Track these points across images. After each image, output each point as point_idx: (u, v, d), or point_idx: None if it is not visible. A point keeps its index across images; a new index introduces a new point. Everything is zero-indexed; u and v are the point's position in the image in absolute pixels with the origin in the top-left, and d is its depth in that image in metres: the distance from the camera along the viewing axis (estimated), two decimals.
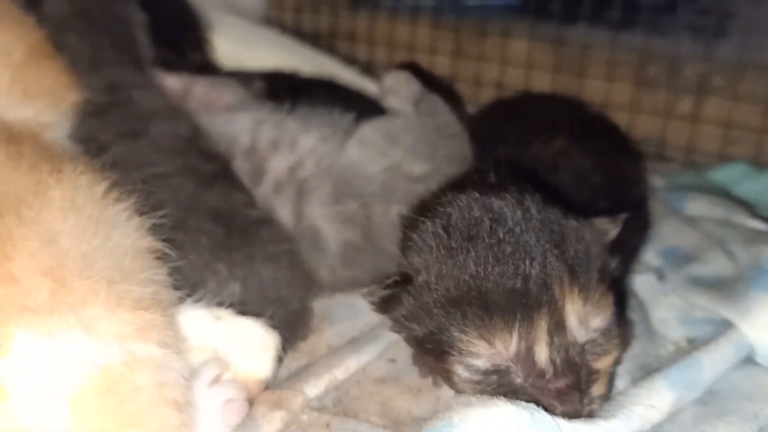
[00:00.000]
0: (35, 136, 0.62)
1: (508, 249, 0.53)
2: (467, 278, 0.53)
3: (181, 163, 0.75)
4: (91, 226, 0.52)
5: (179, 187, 0.72)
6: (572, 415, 0.52)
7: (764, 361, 0.66)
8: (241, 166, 0.81)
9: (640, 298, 0.78)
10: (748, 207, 0.94)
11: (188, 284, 0.62)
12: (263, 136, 0.82)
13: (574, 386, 0.53)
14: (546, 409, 0.52)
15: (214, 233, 0.68)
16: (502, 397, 0.53)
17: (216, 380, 0.57)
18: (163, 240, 0.58)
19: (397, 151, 0.81)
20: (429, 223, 0.58)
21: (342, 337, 0.72)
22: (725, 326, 0.69)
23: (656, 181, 1.05)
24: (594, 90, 1.18)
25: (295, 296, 0.70)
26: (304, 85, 1.06)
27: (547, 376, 0.52)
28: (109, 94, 0.78)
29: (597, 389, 0.55)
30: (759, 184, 1.05)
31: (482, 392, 0.54)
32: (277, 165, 0.80)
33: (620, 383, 0.63)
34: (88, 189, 0.55)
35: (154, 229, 0.58)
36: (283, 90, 0.98)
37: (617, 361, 0.59)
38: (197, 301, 0.61)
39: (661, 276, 0.82)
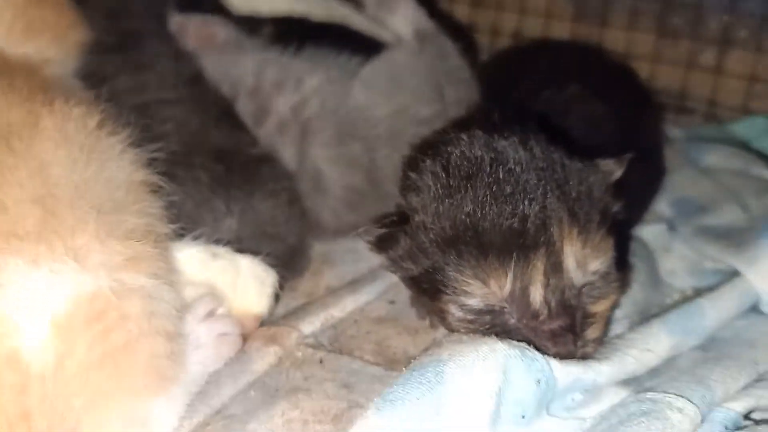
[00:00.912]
0: (32, 70, 0.62)
1: (508, 188, 0.52)
2: (464, 217, 0.52)
3: (187, 93, 0.75)
4: (82, 157, 0.52)
5: (185, 120, 0.72)
6: (565, 356, 0.51)
7: None
8: (244, 106, 0.80)
9: (650, 247, 0.77)
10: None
11: (187, 220, 0.63)
12: (268, 76, 0.82)
13: (568, 328, 0.52)
14: (539, 350, 0.51)
15: (214, 170, 0.68)
16: (494, 337, 0.52)
17: (210, 314, 0.57)
18: (163, 174, 0.58)
19: (402, 95, 0.79)
20: (428, 162, 0.57)
21: (342, 279, 0.72)
22: (733, 276, 0.67)
23: (676, 132, 1.03)
24: (615, 40, 1.14)
25: (292, 233, 0.70)
26: (314, 29, 1.05)
27: (541, 318, 0.51)
28: (122, 38, 0.78)
29: (592, 332, 0.54)
30: None
31: (475, 332, 0.54)
32: (281, 105, 0.79)
33: (619, 328, 0.62)
34: (80, 120, 0.54)
35: (153, 163, 0.58)
36: (292, 34, 0.97)
37: (615, 305, 0.58)
38: (196, 238, 0.61)
39: (672, 226, 0.80)
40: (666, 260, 0.75)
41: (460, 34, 0.95)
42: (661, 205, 0.83)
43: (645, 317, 0.64)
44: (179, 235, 0.59)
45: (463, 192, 0.53)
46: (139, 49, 0.79)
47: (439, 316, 0.57)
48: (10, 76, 0.56)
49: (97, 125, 0.55)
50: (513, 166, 0.53)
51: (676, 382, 0.51)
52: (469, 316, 0.53)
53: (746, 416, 0.52)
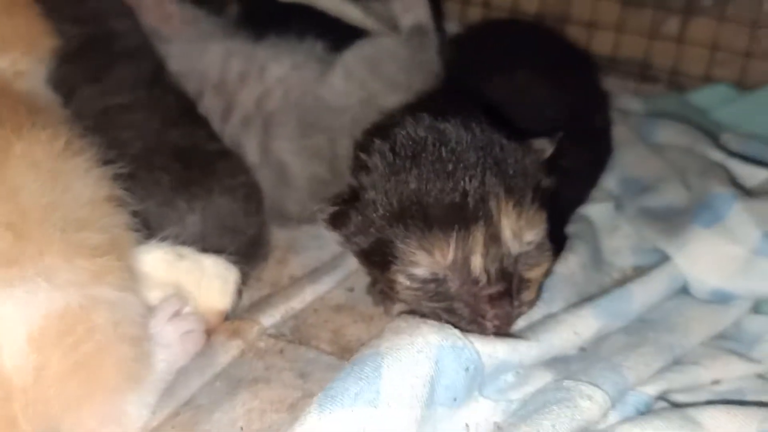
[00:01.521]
0: (2, 89, 0.66)
1: (450, 166, 0.57)
2: (410, 193, 0.57)
3: (144, 95, 0.79)
4: (50, 180, 0.56)
5: (145, 124, 0.76)
6: (503, 316, 0.57)
7: (696, 293, 0.70)
8: (210, 102, 0.84)
9: (595, 227, 0.81)
10: (719, 132, 0.95)
11: (151, 220, 0.68)
12: (233, 67, 0.85)
13: (505, 292, 0.57)
14: (479, 314, 0.57)
15: (173, 170, 0.73)
16: (429, 322, 0.56)
17: (176, 314, 0.63)
18: (126, 177, 0.62)
19: (376, 83, 0.82)
20: (377, 143, 0.62)
21: (305, 267, 0.78)
22: (666, 259, 0.72)
23: (635, 105, 1.06)
24: (580, 9, 1.17)
25: (251, 225, 0.75)
26: (280, 9, 1.06)
27: (481, 284, 0.57)
28: (84, 43, 0.81)
29: (527, 295, 0.60)
30: (739, 108, 1.05)
31: (421, 300, 0.59)
32: (246, 97, 0.82)
33: (555, 309, 0.67)
34: (47, 144, 0.58)
35: (117, 174, 0.62)
36: (258, 14, 0.99)
37: (548, 273, 0.63)
38: (162, 240, 0.66)
39: (619, 204, 0.85)
40: (611, 239, 0.80)
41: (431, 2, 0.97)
42: (610, 183, 0.88)
43: (581, 299, 0.69)
44: (144, 239, 0.65)
45: (408, 170, 0.58)
46: (98, 54, 0.81)
47: (389, 287, 0.62)
48: None
49: (63, 147, 0.59)
50: (455, 146, 0.59)
51: (592, 369, 0.57)
52: (416, 285, 0.59)
53: (660, 398, 0.58)
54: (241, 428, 0.58)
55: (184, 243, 0.68)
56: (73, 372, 0.51)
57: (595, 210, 0.83)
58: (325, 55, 0.87)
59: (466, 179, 0.56)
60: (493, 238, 0.56)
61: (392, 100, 0.81)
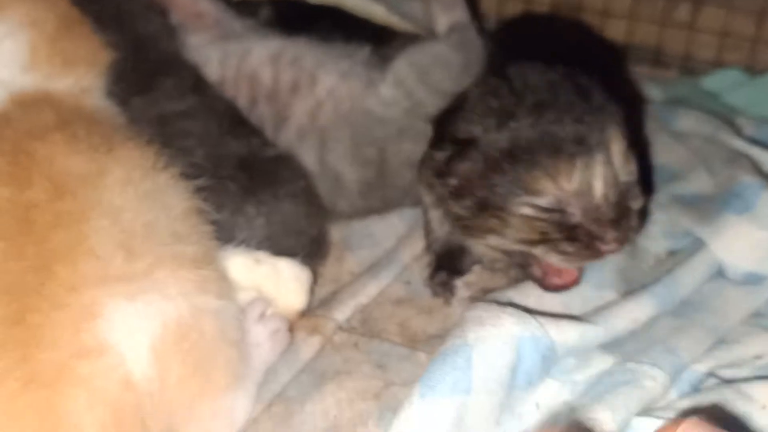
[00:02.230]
0: (81, 111, 0.70)
1: (568, 104, 0.64)
2: (535, 128, 0.63)
3: (195, 101, 0.82)
4: (147, 198, 0.61)
5: (204, 132, 0.80)
6: (621, 239, 0.63)
7: (732, 276, 0.76)
8: (264, 110, 0.88)
9: None
10: (734, 115, 1.01)
11: (225, 227, 0.72)
12: (284, 77, 0.88)
13: (623, 216, 0.64)
14: (598, 238, 0.63)
15: (240, 179, 0.77)
16: (509, 311, 0.62)
17: (262, 315, 0.68)
18: (202, 190, 0.66)
19: (423, 90, 0.84)
20: (495, 87, 0.68)
21: (362, 264, 0.83)
22: (701, 241, 0.78)
23: (652, 91, 1.11)
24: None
25: (313, 226, 0.79)
26: (312, 12, 1.09)
27: (602, 209, 0.63)
28: (132, 48, 0.84)
29: (633, 222, 0.66)
30: (750, 92, 1.11)
31: (541, 231, 0.64)
32: (299, 109, 0.86)
33: (609, 296, 0.73)
34: (140, 162, 0.63)
35: (199, 191, 0.67)
36: (291, 18, 1.02)
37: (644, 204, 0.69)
38: (237, 246, 0.71)
39: None
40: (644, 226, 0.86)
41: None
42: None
43: (629, 284, 0.75)
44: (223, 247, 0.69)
45: (530, 109, 0.64)
46: (140, 62, 0.84)
47: (500, 228, 0.66)
48: (70, 126, 0.64)
49: (152, 165, 0.64)
50: (567, 88, 0.66)
51: (651, 352, 0.63)
52: (540, 215, 0.63)
53: (710, 374, 0.65)
54: (335, 417, 0.63)
55: (253, 247, 0.72)
56: (190, 375, 0.56)
57: None
58: (371, 59, 0.90)
59: (585, 113, 0.63)
60: (609, 165, 0.63)
61: (434, 105, 0.83)
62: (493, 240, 0.68)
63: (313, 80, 0.87)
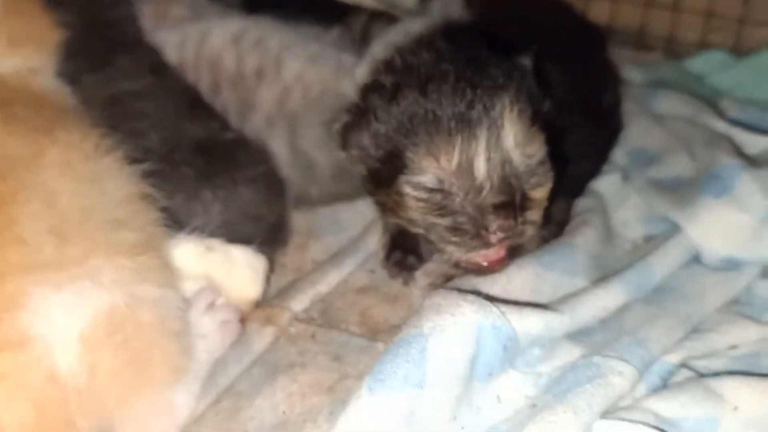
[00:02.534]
0: (26, 92, 0.66)
1: (457, 80, 0.60)
2: (420, 105, 0.60)
3: (153, 82, 0.79)
4: (86, 182, 0.58)
5: (160, 115, 0.77)
6: (507, 228, 0.58)
7: (708, 261, 0.73)
8: (228, 96, 0.84)
9: (605, 200, 0.83)
10: (719, 98, 0.97)
11: (180, 213, 0.69)
12: (248, 62, 0.84)
13: (509, 202, 0.58)
14: (483, 226, 0.58)
15: (196, 163, 0.74)
16: (469, 299, 0.58)
17: (211, 306, 0.65)
18: (151, 174, 0.63)
19: None
20: (389, 63, 0.66)
21: (326, 252, 0.79)
22: (679, 226, 0.75)
23: (634, 74, 1.08)
24: None
25: (272, 211, 0.76)
26: None
27: (485, 192, 0.58)
28: (83, 32, 0.80)
29: (531, 214, 0.61)
30: (735, 73, 1.08)
31: (427, 215, 0.61)
32: (265, 96, 0.83)
33: (580, 283, 0.69)
34: (80, 145, 0.60)
35: (146, 175, 0.63)
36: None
37: (550, 196, 0.64)
38: (190, 233, 0.68)
39: (626, 176, 0.87)
40: (620, 210, 0.82)
41: None
42: (617, 155, 0.90)
43: (603, 272, 0.71)
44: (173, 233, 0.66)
45: (418, 86, 0.61)
46: (98, 41, 0.82)
47: (395, 206, 0.63)
48: (10, 106, 0.61)
49: (94, 148, 0.60)
50: (462, 64, 0.62)
51: (618, 344, 0.60)
52: (423, 195, 0.60)
53: (682, 365, 0.61)
54: (284, 412, 0.60)
55: (209, 233, 0.69)
56: (124, 369, 0.53)
57: (604, 183, 0.84)
58: (341, 41, 0.87)
59: (472, 90, 0.59)
60: (496, 143, 0.58)
61: None
62: (401, 221, 0.64)
63: (278, 65, 0.84)
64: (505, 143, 0.59)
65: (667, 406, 0.54)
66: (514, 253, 0.66)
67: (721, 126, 0.87)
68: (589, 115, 0.81)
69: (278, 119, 0.83)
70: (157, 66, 0.83)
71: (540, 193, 0.62)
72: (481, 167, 0.58)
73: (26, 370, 0.49)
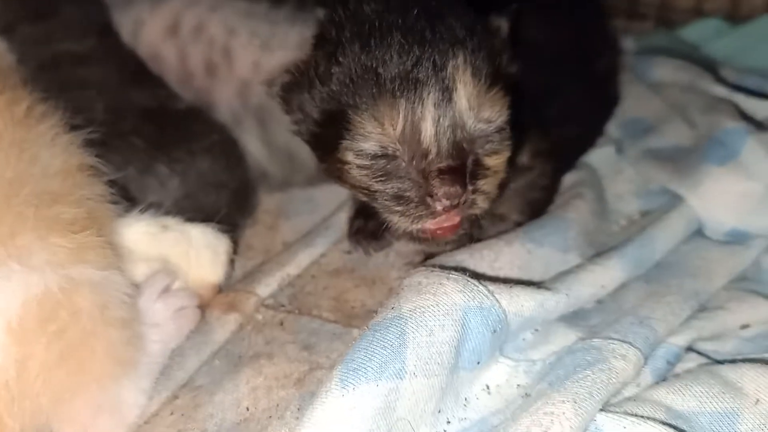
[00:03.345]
0: None
1: (405, 35, 0.53)
2: (363, 62, 0.53)
3: (96, 44, 0.72)
4: (13, 150, 0.51)
5: (104, 81, 0.70)
6: (452, 195, 0.52)
7: (712, 234, 0.67)
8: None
9: (599, 173, 0.77)
10: (716, 66, 0.92)
11: (131, 188, 0.62)
12: (191, 53, 0.76)
13: (458, 169, 0.52)
14: (428, 193, 0.52)
15: (146, 133, 0.67)
16: (453, 278, 0.52)
17: (166, 290, 0.58)
18: (99, 144, 0.56)
19: None
20: (333, 16, 0.57)
21: (297, 232, 0.73)
22: (679, 198, 0.69)
23: (627, 43, 1.02)
24: None
25: (233, 178, 0.70)
26: None
27: (431, 156, 0.52)
28: None
29: (484, 184, 0.55)
30: (731, 41, 1.02)
31: (370, 182, 0.54)
32: (224, 95, 0.76)
33: (573, 260, 0.63)
34: (6, 111, 0.52)
35: (88, 144, 0.56)
36: None
37: (507, 163, 0.57)
38: (143, 211, 0.61)
39: (620, 148, 0.81)
40: (614, 184, 0.77)
41: None
42: (610, 126, 0.84)
43: (596, 249, 0.66)
44: (125, 211, 0.59)
45: (363, 40, 0.54)
46: None
47: (339, 173, 0.57)
48: None
49: (25, 113, 0.53)
50: (413, 17, 0.54)
51: (619, 325, 0.54)
52: (366, 163, 0.54)
53: (689, 348, 0.55)
54: (247, 408, 0.53)
55: (168, 208, 0.63)
56: (60, 362, 0.47)
57: (596, 155, 0.79)
58: (297, 16, 0.78)
59: (421, 46, 0.53)
60: (447, 105, 0.52)
61: None
62: (349, 189, 0.58)
63: (228, 57, 0.75)
64: (457, 105, 0.52)
65: (680, 400, 0.48)
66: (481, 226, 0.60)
67: (721, 91, 0.81)
68: (580, 80, 0.74)
69: (244, 116, 0.76)
70: (105, 24, 0.76)
71: (496, 161, 0.55)
72: (428, 131, 0.52)
73: None
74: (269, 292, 0.64)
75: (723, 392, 0.48)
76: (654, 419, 0.47)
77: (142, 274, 0.58)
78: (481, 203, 0.55)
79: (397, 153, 0.53)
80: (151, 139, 0.66)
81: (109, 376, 0.50)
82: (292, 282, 0.66)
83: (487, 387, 0.53)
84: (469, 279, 0.52)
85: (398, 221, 0.54)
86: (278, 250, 0.71)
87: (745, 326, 0.57)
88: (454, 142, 0.52)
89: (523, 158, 0.66)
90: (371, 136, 0.53)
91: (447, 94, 0.52)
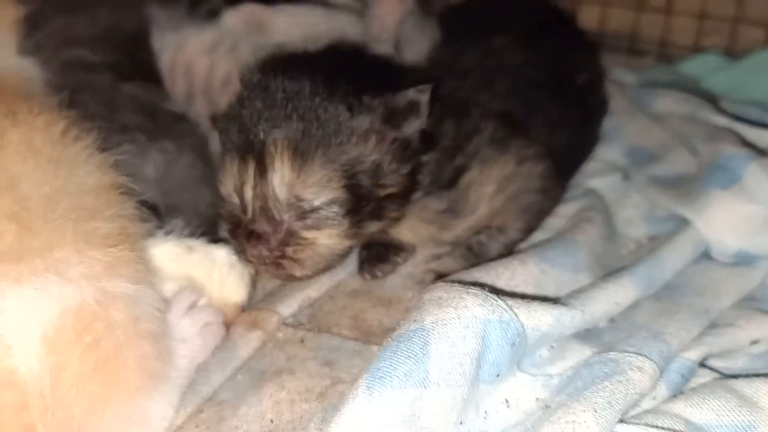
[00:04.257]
0: None
1: (260, 107, 0.61)
2: (237, 122, 0.62)
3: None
4: (51, 168, 0.53)
5: (98, 80, 0.74)
6: (257, 257, 0.60)
7: (719, 256, 0.69)
8: (200, 107, 0.82)
9: (606, 199, 0.80)
10: (716, 100, 0.95)
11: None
12: (218, 67, 0.81)
13: (264, 235, 0.60)
14: (239, 248, 0.62)
15: (143, 124, 0.70)
16: (473, 292, 0.53)
17: (192, 307, 0.59)
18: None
19: None
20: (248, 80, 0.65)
21: None
22: (685, 223, 0.71)
23: (627, 77, 1.05)
24: None
25: (207, 194, 0.71)
26: None
27: (247, 218, 0.61)
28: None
29: (296, 252, 0.60)
30: (730, 75, 1.05)
31: (223, 212, 0.63)
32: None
33: (584, 280, 0.65)
34: (45, 130, 0.55)
35: (118, 164, 0.58)
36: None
37: (337, 243, 0.62)
38: (168, 233, 0.63)
39: (626, 175, 0.83)
40: (622, 210, 0.79)
41: None
42: (615, 155, 0.86)
43: (606, 271, 0.67)
44: (152, 231, 0.61)
45: (245, 104, 0.62)
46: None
47: None
48: None
49: (62, 133, 0.55)
50: (273, 92, 0.61)
51: (634, 339, 0.55)
52: (222, 203, 0.63)
53: (701, 364, 0.57)
54: (271, 420, 0.55)
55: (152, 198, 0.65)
56: (93, 372, 0.48)
57: (603, 182, 0.82)
58: None
59: (263, 120, 0.60)
60: (263, 176, 0.59)
61: None
62: None
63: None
64: (271, 178, 0.59)
65: (698, 413, 0.49)
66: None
67: (723, 121, 0.83)
68: (562, 93, 0.79)
69: None
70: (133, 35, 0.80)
71: (314, 235, 0.60)
72: (248, 195, 0.60)
73: None
74: (290, 311, 0.66)
75: (740, 405, 0.49)
76: (674, 431, 0.48)
77: (170, 290, 0.60)
78: (291, 269, 0.61)
79: (233, 201, 0.61)
80: (147, 130, 0.70)
81: (140, 389, 0.51)
82: (312, 303, 0.68)
83: (506, 401, 0.54)
84: (488, 294, 0.54)
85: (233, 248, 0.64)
86: None
87: (754, 342, 0.59)
88: (265, 208, 0.59)
89: (507, 168, 0.70)
90: (222, 183, 0.62)
91: (264, 167, 0.59)
